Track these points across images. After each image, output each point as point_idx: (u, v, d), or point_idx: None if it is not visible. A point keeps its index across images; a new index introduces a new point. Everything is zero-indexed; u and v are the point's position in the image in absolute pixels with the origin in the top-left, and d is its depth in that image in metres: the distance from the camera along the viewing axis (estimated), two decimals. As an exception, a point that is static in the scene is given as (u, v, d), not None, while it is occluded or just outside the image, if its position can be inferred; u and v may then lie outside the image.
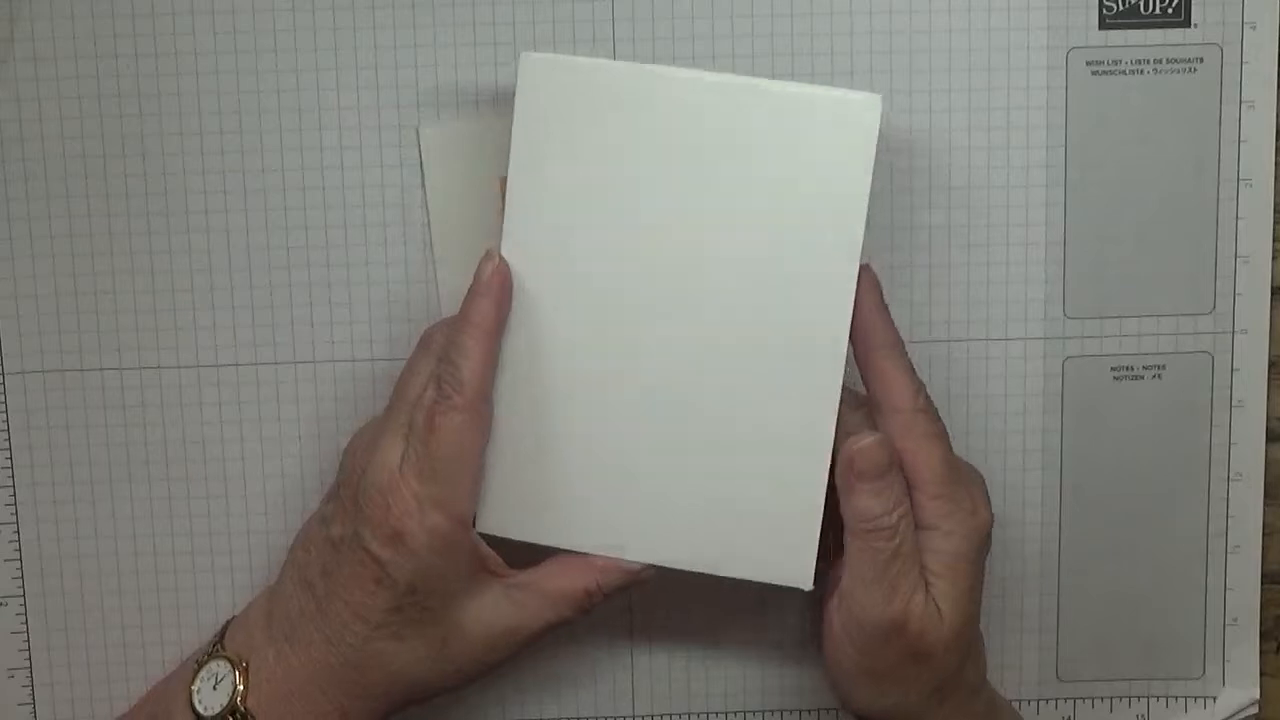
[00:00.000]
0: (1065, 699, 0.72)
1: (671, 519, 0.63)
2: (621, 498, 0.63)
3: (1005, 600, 0.71)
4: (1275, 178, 0.68)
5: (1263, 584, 0.71)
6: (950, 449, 0.63)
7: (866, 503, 0.61)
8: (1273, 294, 0.69)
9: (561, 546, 0.64)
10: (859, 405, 0.64)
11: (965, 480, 0.63)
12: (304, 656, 0.62)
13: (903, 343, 0.63)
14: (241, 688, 0.61)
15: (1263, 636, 0.72)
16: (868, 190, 0.60)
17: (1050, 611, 0.71)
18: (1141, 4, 0.67)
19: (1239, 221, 0.69)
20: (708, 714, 0.72)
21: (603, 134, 0.60)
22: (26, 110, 0.67)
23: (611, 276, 0.61)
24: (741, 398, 0.62)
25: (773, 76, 0.67)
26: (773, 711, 0.72)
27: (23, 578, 0.70)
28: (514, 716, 0.72)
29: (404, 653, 0.62)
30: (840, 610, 0.62)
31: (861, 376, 0.63)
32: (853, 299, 0.61)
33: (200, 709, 0.62)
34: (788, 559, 0.62)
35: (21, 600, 0.70)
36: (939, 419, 0.63)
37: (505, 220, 0.62)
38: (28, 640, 0.71)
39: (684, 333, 0.62)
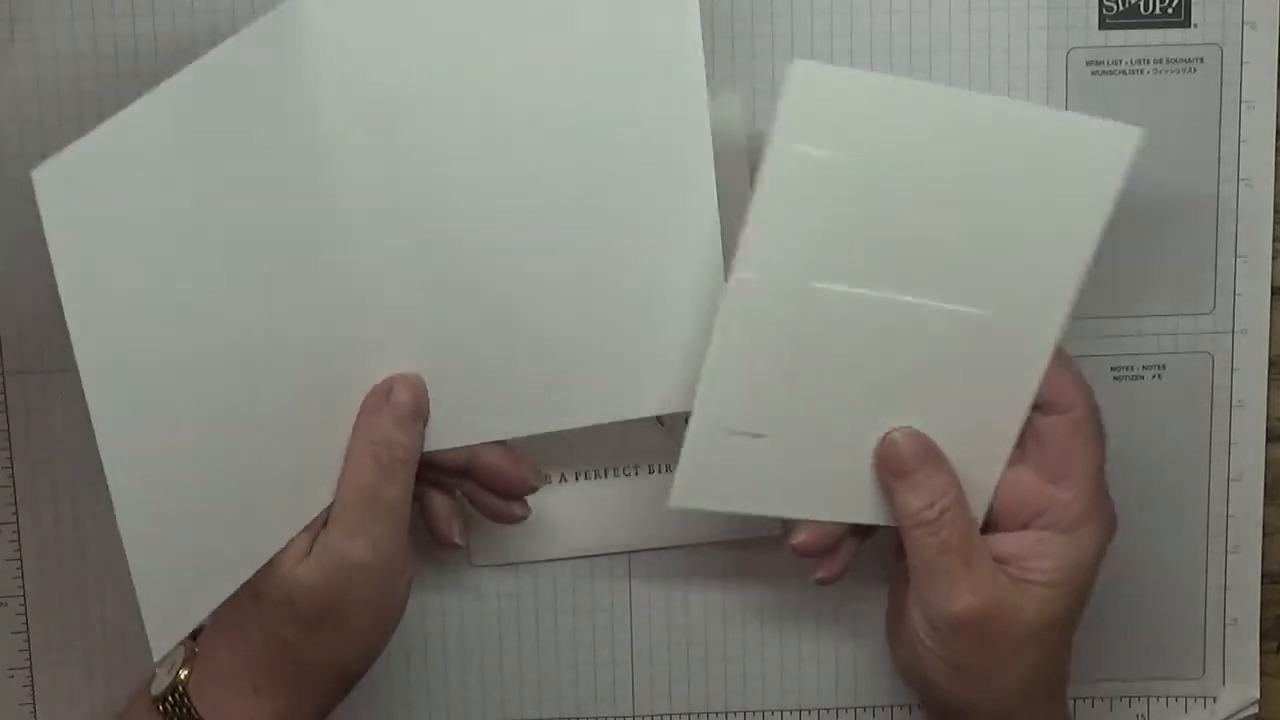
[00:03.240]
0: (1065, 699, 0.72)
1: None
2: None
3: (1005, 600, 0.71)
4: (1275, 178, 0.68)
5: (1263, 584, 0.71)
6: (1103, 451, 0.62)
7: (903, 498, 0.61)
8: (1273, 294, 0.69)
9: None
10: None
11: (1106, 491, 0.63)
12: (240, 645, 0.61)
13: (1066, 352, 0.62)
14: (186, 673, 0.61)
15: (1263, 636, 0.72)
16: (1104, 222, 0.60)
17: (1050, 611, 0.71)
18: (1141, 4, 0.67)
19: (1239, 221, 0.69)
20: (708, 714, 0.72)
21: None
22: (26, 110, 0.67)
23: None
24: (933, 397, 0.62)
25: (772, 76, 0.67)
26: (772, 711, 0.72)
27: (23, 578, 0.70)
28: (514, 716, 0.72)
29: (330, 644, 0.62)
30: (914, 603, 0.63)
31: None
32: (1063, 322, 0.60)
33: (153, 689, 0.62)
34: None
35: (21, 600, 0.70)
36: (1102, 426, 0.62)
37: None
38: (28, 640, 0.71)
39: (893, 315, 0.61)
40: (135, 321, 0.54)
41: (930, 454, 0.61)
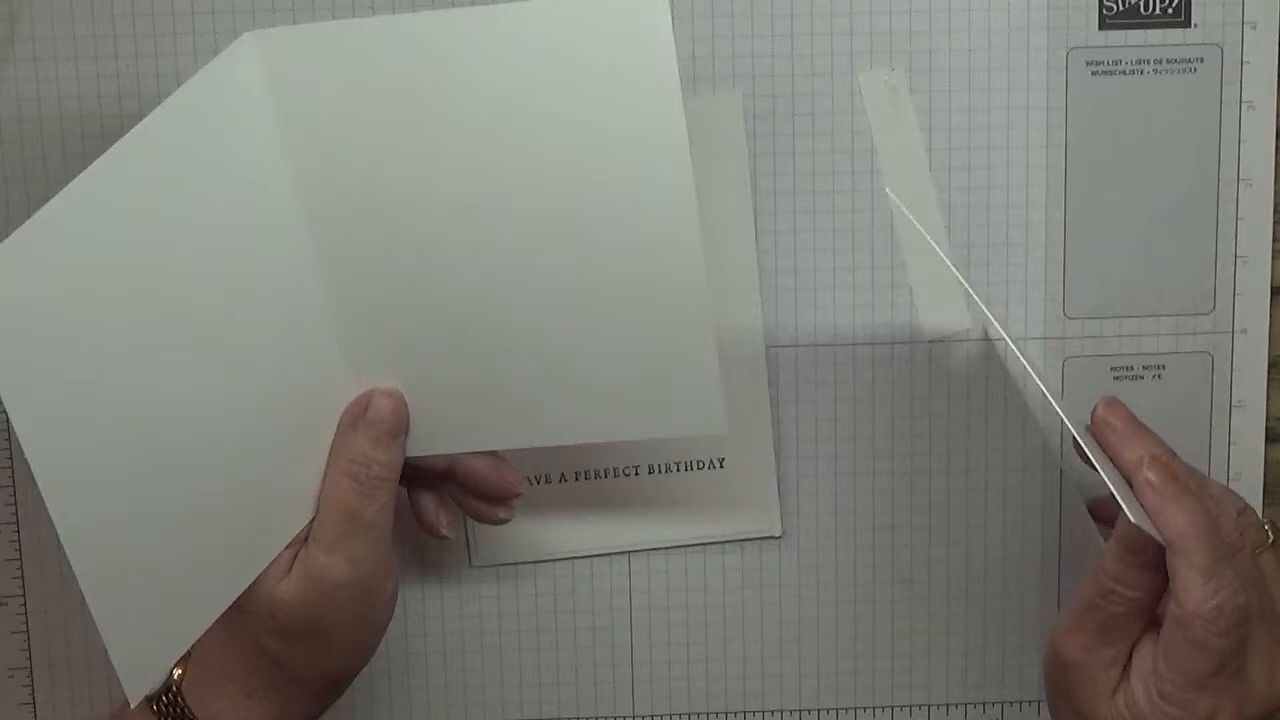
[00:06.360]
0: (1065, 699, 0.72)
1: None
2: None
3: (1005, 600, 0.71)
4: (1275, 178, 0.69)
5: (1262, 584, 0.71)
6: (1213, 662, 0.58)
7: (1109, 561, 0.59)
8: (1273, 294, 0.69)
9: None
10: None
11: (1215, 691, 0.58)
12: (230, 650, 0.61)
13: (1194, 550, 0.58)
14: (179, 673, 0.61)
15: (1262, 636, 0.72)
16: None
17: (1050, 611, 0.71)
18: (1141, 4, 0.67)
19: (1239, 221, 0.69)
20: (708, 714, 0.72)
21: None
22: (26, 110, 0.67)
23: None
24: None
25: (772, 76, 0.67)
26: (772, 712, 0.72)
27: (23, 578, 0.70)
28: (514, 716, 0.72)
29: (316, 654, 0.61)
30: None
31: None
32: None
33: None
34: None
35: (22, 600, 0.70)
36: (1222, 634, 0.57)
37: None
38: (28, 640, 0.71)
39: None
40: (83, 369, 0.53)
41: (1148, 554, 0.59)
